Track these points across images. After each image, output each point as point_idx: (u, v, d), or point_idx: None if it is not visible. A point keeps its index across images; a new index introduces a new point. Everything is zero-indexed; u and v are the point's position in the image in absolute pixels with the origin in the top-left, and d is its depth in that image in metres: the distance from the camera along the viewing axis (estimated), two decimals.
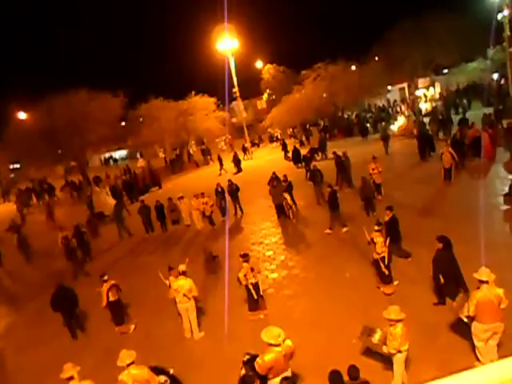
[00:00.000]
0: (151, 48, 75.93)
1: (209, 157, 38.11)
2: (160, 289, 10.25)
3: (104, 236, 19.23)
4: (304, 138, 36.21)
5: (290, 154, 28.66)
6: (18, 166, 53.01)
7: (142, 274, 13.45)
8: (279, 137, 41.05)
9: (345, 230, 13.43)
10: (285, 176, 17.28)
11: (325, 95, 38.29)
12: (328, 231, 13.68)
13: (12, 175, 55.36)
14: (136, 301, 11.48)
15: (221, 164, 29.93)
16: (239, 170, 29.23)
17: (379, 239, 9.27)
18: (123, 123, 40.46)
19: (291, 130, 41.91)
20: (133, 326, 10.19)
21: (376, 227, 9.50)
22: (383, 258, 9.21)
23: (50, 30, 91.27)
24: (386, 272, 9.22)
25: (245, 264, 9.29)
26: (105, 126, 34.43)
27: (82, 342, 10.20)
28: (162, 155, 44.61)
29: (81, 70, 69.14)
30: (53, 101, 33.01)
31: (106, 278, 9.97)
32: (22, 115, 39.82)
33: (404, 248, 10.58)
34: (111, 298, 9.88)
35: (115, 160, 58.02)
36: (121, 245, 17.79)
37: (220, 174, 28.80)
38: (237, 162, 29.49)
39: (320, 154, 27.25)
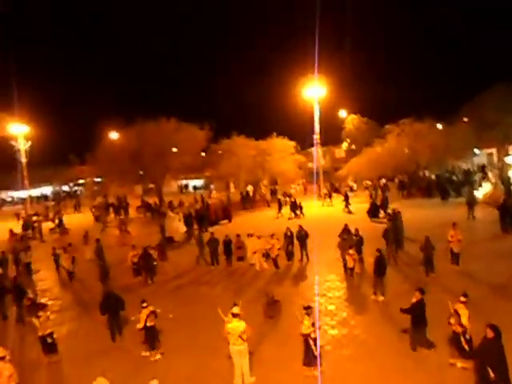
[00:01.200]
0: (239, 87, 79.94)
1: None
2: (215, 324, 10.14)
3: (172, 261, 19.80)
4: (375, 193, 35.41)
5: (351, 207, 29.64)
6: (100, 179, 57.24)
7: (200, 304, 13.58)
8: (354, 188, 40.46)
9: (381, 299, 12.91)
10: (356, 230, 16.86)
11: (407, 151, 37.44)
12: (373, 297, 13.13)
13: (95, 188, 59.69)
14: (188, 331, 11.55)
15: (280, 207, 30.33)
16: (295, 215, 29.14)
17: (464, 311, 8.68)
18: (203, 154, 42.30)
19: (368, 182, 41.21)
20: (158, 356, 10.33)
21: (462, 298, 8.91)
22: (465, 331, 8.59)
23: (149, 65, 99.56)
24: (467, 347, 8.56)
25: (307, 317, 9.07)
26: (188, 155, 36.34)
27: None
28: (233, 190, 45.71)
29: (173, 101, 74.21)
30: (144, 126, 35.59)
31: (145, 304, 10.44)
32: (114, 135, 43.24)
33: (427, 337, 9.67)
34: (148, 324, 10.30)
35: (194, 187, 60.45)
36: (185, 272, 18.16)
37: (277, 218, 29.20)
38: (294, 207, 29.48)
39: (382, 211, 26.32)
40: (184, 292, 15.49)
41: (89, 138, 46.02)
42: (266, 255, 17.29)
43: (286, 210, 30.08)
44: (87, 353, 10.85)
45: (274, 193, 40.61)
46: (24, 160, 39.70)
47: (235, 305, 9.41)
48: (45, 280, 18.39)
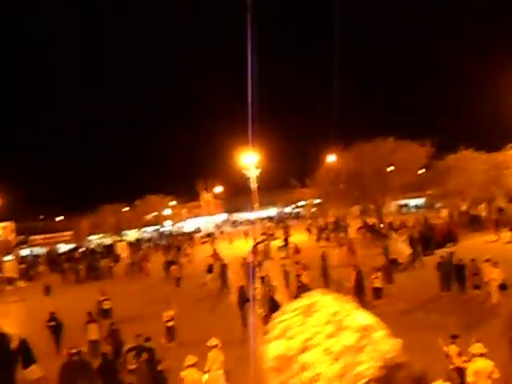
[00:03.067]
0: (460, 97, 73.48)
1: None
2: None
3: (397, 283, 18.96)
4: None
5: None
6: (319, 201, 60.03)
7: (430, 332, 12.47)
8: None
9: None
10: None
11: None
12: None
13: (314, 209, 63.00)
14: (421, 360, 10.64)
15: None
16: None
17: None
18: (422, 171, 40.02)
19: None
20: None
21: None
22: None
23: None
24: None
25: None
26: (407, 173, 34.96)
27: None
28: (464, 208, 41.41)
29: (388, 119, 72.99)
30: (362, 148, 35.81)
31: None
32: (331, 158, 44.82)
33: None
34: None
35: (416, 206, 57.79)
36: (412, 295, 17.15)
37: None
38: None
39: None
40: (411, 317, 14.60)
41: (308, 162, 49.05)
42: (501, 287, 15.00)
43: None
44: None
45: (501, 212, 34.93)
46: (254, 186, 44.52)
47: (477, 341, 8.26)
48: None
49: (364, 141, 36.35)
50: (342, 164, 39.79)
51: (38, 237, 64.73)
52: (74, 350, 11.31)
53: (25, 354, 13.29)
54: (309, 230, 39.24)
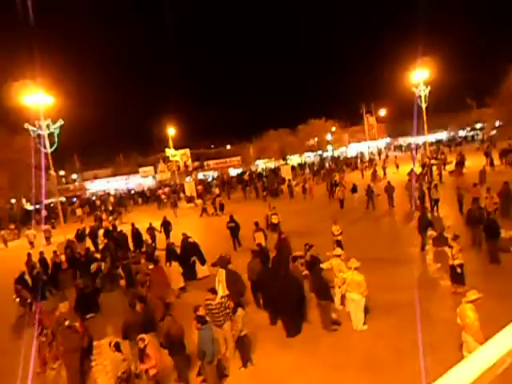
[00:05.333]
0: None
1: None
2: None
3: None
4: None
5: None
6: (500, 123, 52.70)
7: None
8: None
9: None
10: None
11: None
12: None
13: (494, 132, 55.60)
14: None
15: None
16: None
17: None
18: None
19: None
20: None
21: None
22: None
23: None
24: None
25: None
26: None
27: None
28: None
29: None
30: None
31: None
32: None
33: None
34: None
35: None
36: None
37: None
38: None
39: None
40: None
41: (490, 78, 42.81)
42: None
43: None
44: None
45: None
46: (424, 105, 40.87)
47: None
48: (448, 217, 18.83)
49: None
50: None
51: (210, 162, 71.82)
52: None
53: (200, 254, 15.45)
54: (486, 154, 34.78)
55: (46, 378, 9.60)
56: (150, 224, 21.88)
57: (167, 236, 21.22)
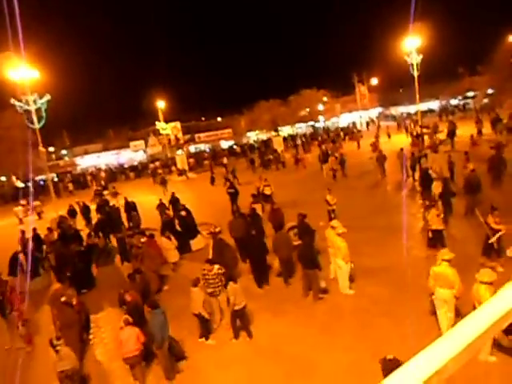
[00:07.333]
0: None
1: None
2: None
3: None
4: None
5: None
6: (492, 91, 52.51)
7: None
8: None
9: None
10: None
11: None
12: None
13: (485, 100, 55.34)
14: None
15: None
16: None
17: None
18: None
19: None
20: None
21: None
22: None
23: None
24: None
25: None
26: None
27: None
28: None
29: None
30: None
31: None
32: None
33: None
34: None
35: None
36: None
37: None
38: None
39: None
40: None
41: (481, 45, 42.38)
42: None
43: None
44: None
45: None
46: (416, 74, 40.41)
47: None
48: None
49: None
50: None
51: (201, 135, 71.06)
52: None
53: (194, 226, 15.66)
54: (477, 123, 34.67)
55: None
56: (160, 200, 20.75)
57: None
